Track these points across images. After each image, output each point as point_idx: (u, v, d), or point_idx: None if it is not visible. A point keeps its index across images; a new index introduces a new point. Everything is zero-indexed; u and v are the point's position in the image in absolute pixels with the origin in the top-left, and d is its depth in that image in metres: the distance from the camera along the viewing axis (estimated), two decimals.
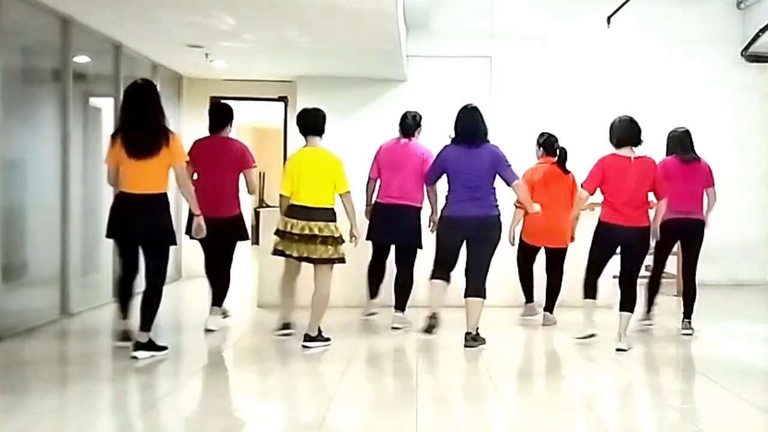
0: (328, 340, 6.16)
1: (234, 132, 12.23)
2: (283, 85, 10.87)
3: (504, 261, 7.10)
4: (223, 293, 6.73)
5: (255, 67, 10.21)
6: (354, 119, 10.31)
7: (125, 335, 5.88)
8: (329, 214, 6.03)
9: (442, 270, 6.33)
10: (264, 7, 7.29)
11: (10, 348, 6.11)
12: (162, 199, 5.66)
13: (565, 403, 4.98)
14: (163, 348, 5.76)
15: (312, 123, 6.26)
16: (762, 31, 9.98)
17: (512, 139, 7.73)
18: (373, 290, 7.26)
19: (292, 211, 6.04)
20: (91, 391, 5.03)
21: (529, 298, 7.44)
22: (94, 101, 8.36)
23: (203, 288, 6.98)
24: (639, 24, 10.47)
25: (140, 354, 5.60)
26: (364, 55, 9.26)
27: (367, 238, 7.05)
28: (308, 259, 6.05)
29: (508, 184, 6.28)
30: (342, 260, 6.09)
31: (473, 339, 6.17)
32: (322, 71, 10.30)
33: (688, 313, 6.90)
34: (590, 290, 6.36)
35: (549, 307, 7.29)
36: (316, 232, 5.94)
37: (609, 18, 10.06)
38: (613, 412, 4.88)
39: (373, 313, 7.28)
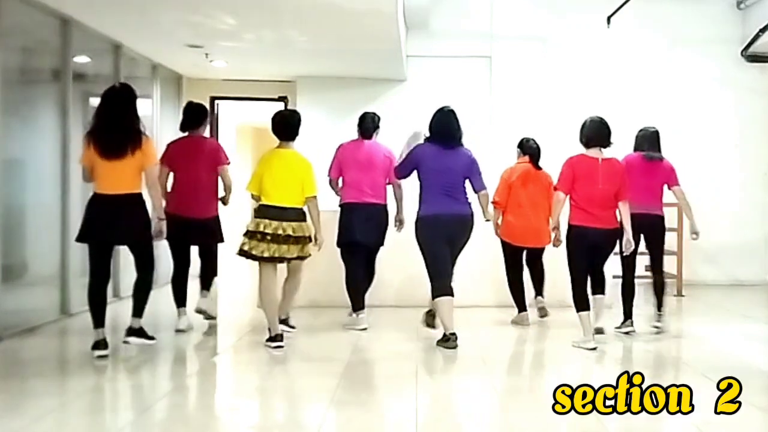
0: (293, 327, 6.67)
1: (234, 132, 12.25)
2: (283, 85, 10.87)
3: (493, 261, 7.26)
4: (211, 278, 6.96)
5: (255, 67, 10.21)
6: (354, 119, 10.18)
7: (103, 344, 5.65)
8: (301, 214, 6.15)
9: (443, 281, 6.11)
10: (264, 7, 7.29)
11: (10, 348, 6.12)
12: (137, 198, 5.75)
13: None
14: (153, 338, 6.01)
15: (288, 128, 6.33)
16: (762, 31, 9.97)
17: (512, 139, 7.72)
18: (361, 300, 6.91)
19: (265, 211, 6.06)
20: (90, 391, 5.03)
21: (522, 306, 7.28)
22: (94, 101, 8.33)
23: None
24: (639, 24, 10.47)
25: (132, 340, 5.88)
26: (364, 55, 9.26)
27: (342, 242, 6.91)
28: (282, 259, 6.14)
29: (476, 191, 6.38)
30: (308, 255, 6.31)
31: (450, 339, 6.10)
32: (322, 71, 10.30)
33: (659, 306, 6.94)
34: (582, 302, 6.22)
35: (539, 291, 7.45)
36: (290, 232, 6.02)
37: (609, 18, 10.06)
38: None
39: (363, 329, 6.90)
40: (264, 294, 6.21)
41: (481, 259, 7.64)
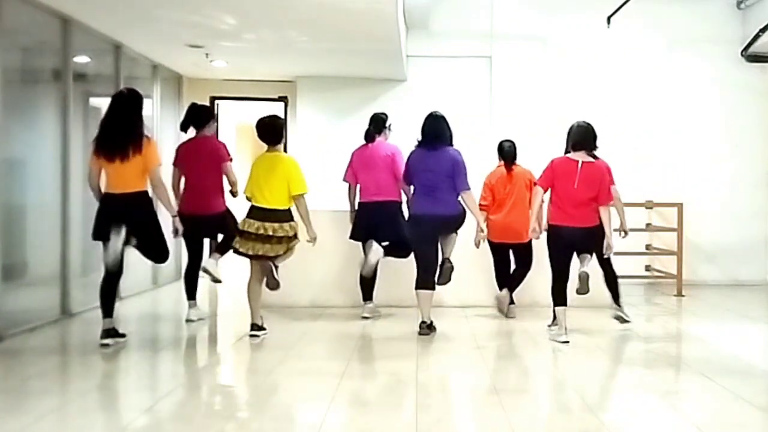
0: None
1: (234, 131, 12.27)
2: (283, 85, 10.88)
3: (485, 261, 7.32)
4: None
5: (255, 67, 10.22)
6: (354, 119, 10.28)
7: (113, 332, 6.10)
8: (284, 215, 6.34)
9: (426, 275, 6.58)
10: (264, 7, 7.29)
11: (10, 348, 6.12)
12: (143, 195, 6.06)
13: (564, 402, 4.99)
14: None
15: (271, 133, 6.56)
16: (762, 31, 9.97)
17: (512, 139, 7.72)
18: (365, 291, 7.41)
19: (251, 212, 6.36)
20: (91, 391, 5.03)
21: (501, 286, 7.59)
22: (94, 101, 8.35)
23: (200, 288, 7.01)
24: (639, 24, 10.46)
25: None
26: (364, 55, 9.26)
27: (351, 237, 7.33)
28: (265, 257, 6.30)
29: (458, 191, 6.60)
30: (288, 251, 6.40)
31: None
32: (322, 71, 10.30)
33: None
34: (559, 298, 6.48)
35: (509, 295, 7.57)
36: (271, 232, 6.26)
37: (609, 18, 10.06)
38: (612, 411, 4.88)
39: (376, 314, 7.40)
40: (250, 287, 6.51)
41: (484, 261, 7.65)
